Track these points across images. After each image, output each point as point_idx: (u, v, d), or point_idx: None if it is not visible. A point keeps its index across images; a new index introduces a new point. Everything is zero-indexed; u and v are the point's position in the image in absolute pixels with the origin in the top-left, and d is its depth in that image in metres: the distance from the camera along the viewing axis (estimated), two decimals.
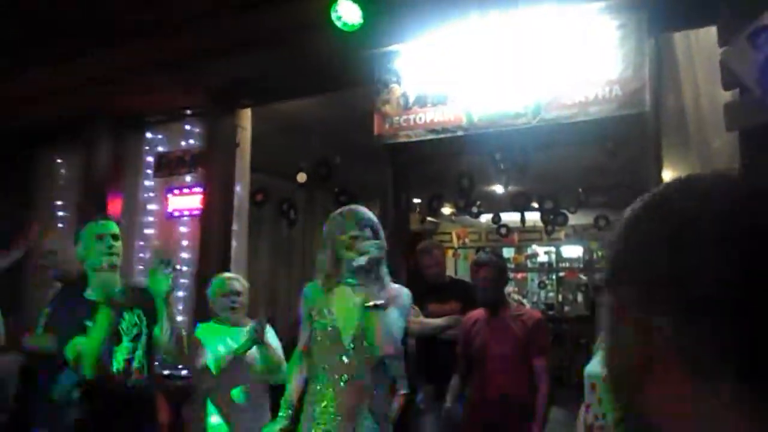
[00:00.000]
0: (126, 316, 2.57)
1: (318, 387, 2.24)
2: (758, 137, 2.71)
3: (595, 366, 2.34)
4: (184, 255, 4.68)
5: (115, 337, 2.51)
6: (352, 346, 2.23)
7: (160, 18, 4.19)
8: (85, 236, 2.63)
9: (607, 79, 3.16)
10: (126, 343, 2.55)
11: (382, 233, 2.35)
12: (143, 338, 2.60)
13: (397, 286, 2.38)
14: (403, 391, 3.32)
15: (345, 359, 2.23)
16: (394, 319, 2.24)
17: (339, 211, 2.42)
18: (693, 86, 3.12)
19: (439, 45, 3.61)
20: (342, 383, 2.20)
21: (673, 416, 0.52)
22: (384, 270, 2.33)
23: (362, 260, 2.20)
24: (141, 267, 4.88)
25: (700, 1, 2.92)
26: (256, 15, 3.91)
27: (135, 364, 2.55)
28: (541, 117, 3.32)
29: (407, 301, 2.39)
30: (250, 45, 4.07)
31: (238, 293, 3.08)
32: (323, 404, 2.20)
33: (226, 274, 3.23)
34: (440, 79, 3.63)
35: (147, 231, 4.93)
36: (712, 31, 2.91)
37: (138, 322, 2.60)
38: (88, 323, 2.44)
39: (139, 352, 2.57)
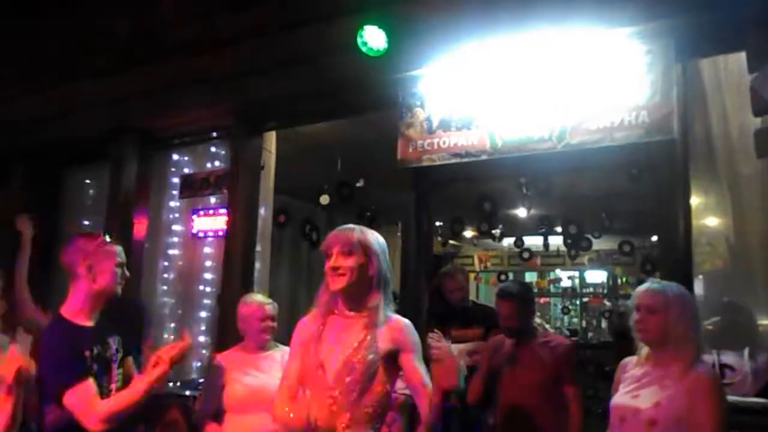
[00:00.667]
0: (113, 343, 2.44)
1: None
2: None
3: (622, 396, 2.26)
4: (207, 275, 4.71)
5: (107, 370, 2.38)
6: None
7: (197, 36, 4.27)
8: None
9: (635, 104, 3.13)
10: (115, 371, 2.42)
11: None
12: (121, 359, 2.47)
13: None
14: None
15: None
16: None
17: None
18: (721, 113, 3.09)
19: (463, 69, 3.62)
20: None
21: None
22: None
23: None
24: (164, 287, 4.93)
25: (730, 27, 2.89)
26: (288, 36, 3.96)
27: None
28: (566, 142, 3.29)
29: None
30: (277, 67, 4.13)
31: (272, 318, 3.01)
32: None
33: (261, 297, 3.11)
34: (464, 103, 3.64)
35: (171, 252, 4.97)
36: (741, 57, 2.88)
37: (120, 347, 2.46)
38: None
39: (120, 376, 2.43)
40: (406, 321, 2.12)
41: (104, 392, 2.32)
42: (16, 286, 3.80)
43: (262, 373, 2.89)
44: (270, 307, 3.03)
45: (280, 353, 2.97)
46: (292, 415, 2.07)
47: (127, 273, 2.49)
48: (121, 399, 2.31)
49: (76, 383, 2.22)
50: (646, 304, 2.22)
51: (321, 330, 2.11)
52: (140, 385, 2.34)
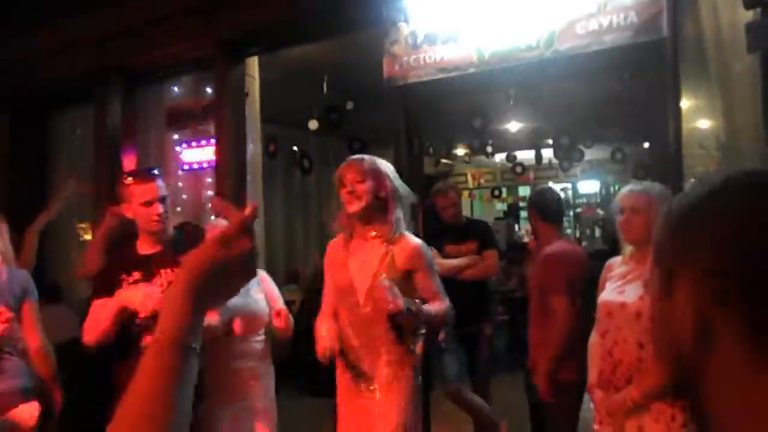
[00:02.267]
0: None
1: None
2: None
3: (609, 293, 2.35)
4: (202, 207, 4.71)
5: None
6: None
7: None
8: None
9: (622, 5, 3.05)
10: None
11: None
12: None
13: None
14: (423, 331, 3.37)
15: None
16: None
17: None
18: (711, 8, 3.00)
19: None
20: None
21: (732, 400, 0.52)
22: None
23: None
24: None
25: None
26: None
27: None
28: (554, 49, 3.22)
29: None
30: None
31: None
32: None
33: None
34: (449, 15, 3.53)
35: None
36: None
37: None
38: None
39: None
40: (418, 241, 2.31)
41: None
42: (24, 246, 3.76)
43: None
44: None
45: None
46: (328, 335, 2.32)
47: (157, 210, 2.53)
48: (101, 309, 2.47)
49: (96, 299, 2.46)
50: (630, 205, 2.30)
51: (346, 254, 2.34)
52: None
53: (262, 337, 2.93)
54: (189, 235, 2.68)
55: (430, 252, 2.38)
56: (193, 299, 0.75)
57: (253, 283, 2.96)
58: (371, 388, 2.28)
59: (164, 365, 0.71)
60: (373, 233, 2.29)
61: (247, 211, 0.84)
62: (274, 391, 2.96)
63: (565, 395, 2.92)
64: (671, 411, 2.13)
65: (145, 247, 2.60)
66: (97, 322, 2.40)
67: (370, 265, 2.28)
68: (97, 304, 2.45)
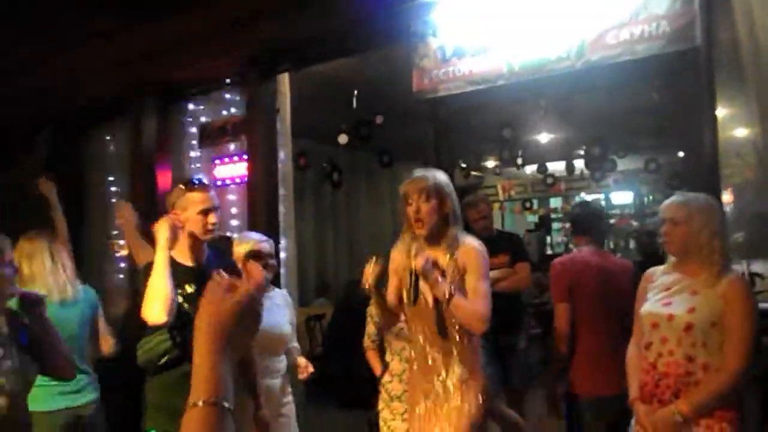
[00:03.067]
0: None
1: None
2: None
3: (653, 305, 2.30)
4: (234, 222, 4.77)
5: None
6: None
7: None
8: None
9: (654, 14, 3.02)
10: None
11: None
12: None
13: None
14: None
15: None
16: None
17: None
18: (747, 16, 2.95)
19: None
20: None
21: None
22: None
23: None
24: None
25: None
26: None
27: None
28: (585, 59, 3.20)
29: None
30: (285, 8, 4.05)
31: (268, 256, 2.93)
32: None
33: (255, 236, 3.02)
34: (478, 28, 3.54)
35: None
36: None
37: None
38: None
39: None
40: (476, 244, 2.39)
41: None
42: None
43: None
44: (265, 245, 2.94)
45: (281, 296, 3.04)
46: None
47: (213, 219, 2.55)
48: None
49: None
50: (670, 216, 2.28)
51: (410, 262, 2.40)
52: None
53: (281, 357, 2.99)
54: (220, 251, 2.70)
55: (487, 258, 2.42)
56: (219, 356, 0.79)
57: (276, 299, 3.00)
58: (440, 380, 2.36)
59: (205, 429, 0.74)
60: (433, 247, 2.39)
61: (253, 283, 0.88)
62: (291, 408, 3.02)
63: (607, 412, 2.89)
64: (720, 426, 2.08)
65: (184, 258, 2.58)
66: (157, 293, 2.36)
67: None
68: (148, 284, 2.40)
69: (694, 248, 2.20)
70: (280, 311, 2.97)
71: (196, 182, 2.63)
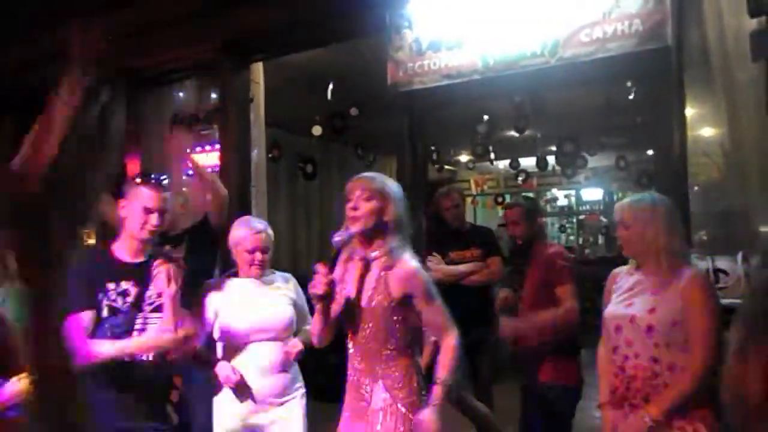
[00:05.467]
0: None
1: None
2: None
3: (615, 306, 2.32)
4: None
5: None
6: None
7: None
8: None
9: (627, 12, 3.05)
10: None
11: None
12: None
13: None
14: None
15: None
16: None
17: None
18: (716, 17, 3.00)
19: None
20: None
21: None
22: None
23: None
24: None
25: None
26: None
27: None
28: (559, 56, 3.23)
29: None
30: None
31: (263, 250, 2.78)
32: None
33: (256, 223, 2.83)
34: (453, 22, 3.54)
35: None
36: None
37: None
38: None
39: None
40: (414, 265, 2.18)
41: (114, 332, 2.37)
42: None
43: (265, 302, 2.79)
44: (263, 236, 2.76)
45: (281, 278, 2.89)
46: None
47: (154, 221, 2.46)
48: (108, 347, 2.33)
49: (76, 312, 2.31)
50: (620, 219, 2.30)
51: (346, 272, 2.27)
52: (135, 344, 2.38)
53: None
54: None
55: (429, 276, 2.24)
56: None
57: (277, 282, 2.85)
58: (364, 401, 2.18)
59: None
60: (374, 254, 2.21)
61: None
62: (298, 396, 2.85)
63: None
64: (693, 427, 2.08)
65: (126, 255, 2.49)
66: (94, 348, 2.30)
67: (366, 288, 2.20)
68: (82, 322, 2.31)
69: (652, 248, 2.20)
70: (279, 298, 2.81)
71: (153, 179, 2.57)
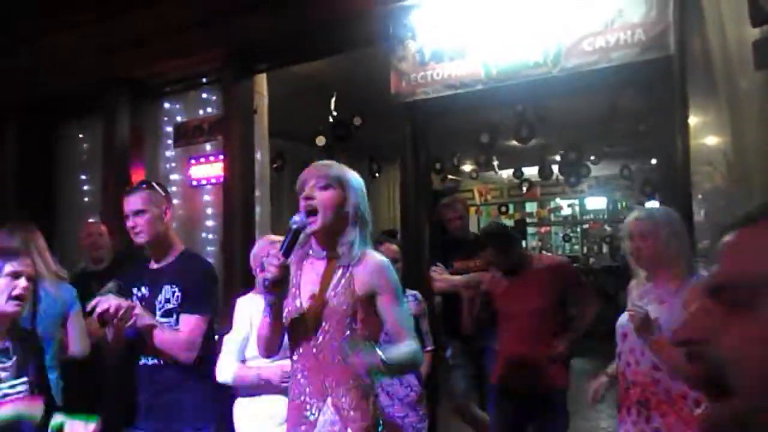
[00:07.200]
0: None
1: None
2: None
3: (624, 316, 2.35)
4: (209, 223, 4.73)
5: None
6: None
7: None
8: None
9: (630, 22, 3.06)
10: None
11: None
12: None
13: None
14: (429, 348, 3.36)
15: None
16: None
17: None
18: (719, 26, 3.01)
19: None
20: None
21: None
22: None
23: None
24: None
25: None
26: None
27: None
28: (561, 66, 3.24)
29: None
30: (264, 6, 4.03)
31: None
32: None
33: (275, 237, 2.77)
34: (456, 33, 3.55)
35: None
36: None
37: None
38: None
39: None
40: (383, 259, 1.93)
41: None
42: None
43: None
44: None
45: None
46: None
47: (130, 224, 2.47)
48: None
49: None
50: (638, 231, 2.32)
51: (299, 274, 1.95)
52: None
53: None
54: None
55: (397, 275, 1.94)
56: None
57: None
58: (310, 420, 1.84)
59: None
60: (336, 250, 1.90)
61: None
62: None
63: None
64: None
65: (152, 262, 2.57)
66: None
67: (324, 288, 1.88)
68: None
69: (663, 260, 2.26)
70: None
71: (135, 186, 2.60)
